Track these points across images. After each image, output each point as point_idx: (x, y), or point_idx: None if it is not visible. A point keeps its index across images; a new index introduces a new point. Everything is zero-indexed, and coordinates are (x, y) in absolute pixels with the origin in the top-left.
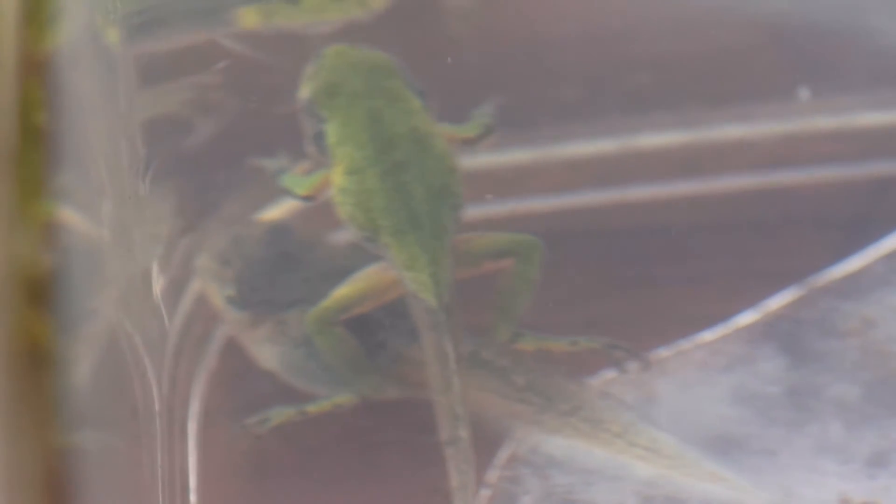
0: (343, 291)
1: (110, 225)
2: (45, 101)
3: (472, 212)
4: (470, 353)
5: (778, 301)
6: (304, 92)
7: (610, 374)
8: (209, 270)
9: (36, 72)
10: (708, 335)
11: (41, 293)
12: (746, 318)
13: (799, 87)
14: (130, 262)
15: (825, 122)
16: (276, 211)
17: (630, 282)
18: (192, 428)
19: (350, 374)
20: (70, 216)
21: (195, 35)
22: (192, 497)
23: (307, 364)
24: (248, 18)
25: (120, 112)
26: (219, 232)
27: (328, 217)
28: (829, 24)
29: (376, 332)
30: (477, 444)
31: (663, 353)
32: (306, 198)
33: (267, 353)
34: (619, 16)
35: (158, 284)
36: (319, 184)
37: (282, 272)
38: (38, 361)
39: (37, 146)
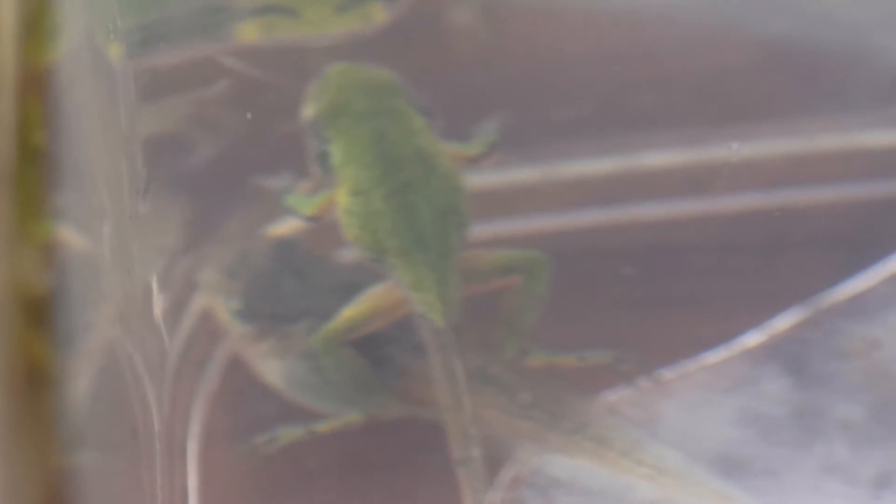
0: (350, 312)
1: (110, 244)
2: (44, 119)
3: (478, 230)
4: (476, 369)
5: (782, 322)
6: (308, 111)
7: (616, 392)
8: (215, 283)
9: (35, 90)
10: (712, 356)
11: (40, 313)
12: (751, 338)
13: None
14: (130, 282)
15: (829, 141)
16: (279, 229)
17: (633, 302)
18: (193, 449)
19: (358, 393)
20: (69, 236)
21: (196, 51)
22: None
23: (311, 378)
24: (249, 32)
25: (120, 130)
26: (223, 247)
27: (333, 235)
28: (833, 44)
29: (383, 345)
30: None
31: (667, 374)
32: (311, 218)
33: (271, 367)
34: (623, 35)
35: (158, 304)
36: (324, 204)
37: (288, 285)
38: (37, 381)
39: (36, 165)
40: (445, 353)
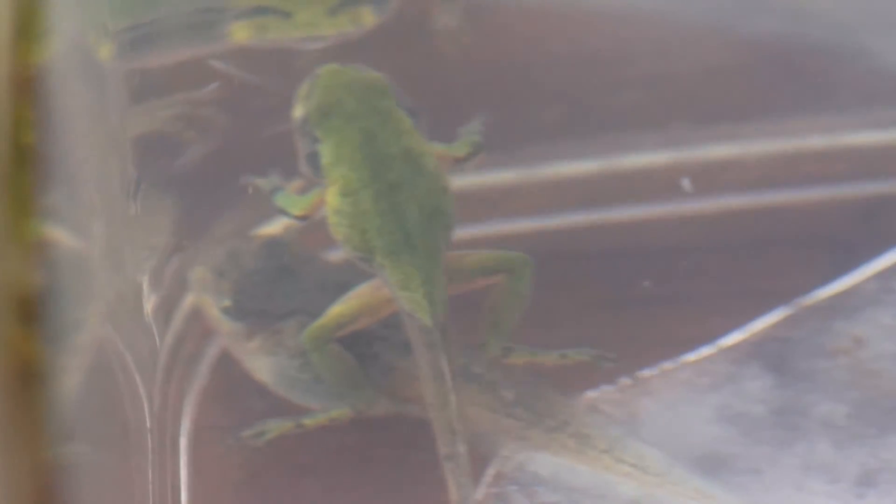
0: (338, 309)
1: (101, 244)
2: (35, 119)
3: (462, 231)
4: (460, 367)
5: (767, 321)
6: (298, 112)
7: (597, 390)
8: (205, 282)
9: (27, 90)
10: (694, 355)
11: (31, 311)
12: (733, 337)
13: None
14: (121, 281)
15: (815, 141)
16: (268, 229)
17: (616, 302)
18: (184, 444)
19: (346, 390)
20: (60, 235)
21: (187, 51)
22: None
23: (301, 376)
24: (241, 33)
25: (111, 130)
26: (213, 246)
27: (322, 235)
28: (820, 44)
29: (370, 343)
30: None
31: (648, 372)
32: (301, 217)
33: (261, 364)
34: (606, 35)
35: (149, 302)
36: (314, 204)
37: (278, 283)
38: (28, 379)
39: (27, 165)
40: (432, 352)
